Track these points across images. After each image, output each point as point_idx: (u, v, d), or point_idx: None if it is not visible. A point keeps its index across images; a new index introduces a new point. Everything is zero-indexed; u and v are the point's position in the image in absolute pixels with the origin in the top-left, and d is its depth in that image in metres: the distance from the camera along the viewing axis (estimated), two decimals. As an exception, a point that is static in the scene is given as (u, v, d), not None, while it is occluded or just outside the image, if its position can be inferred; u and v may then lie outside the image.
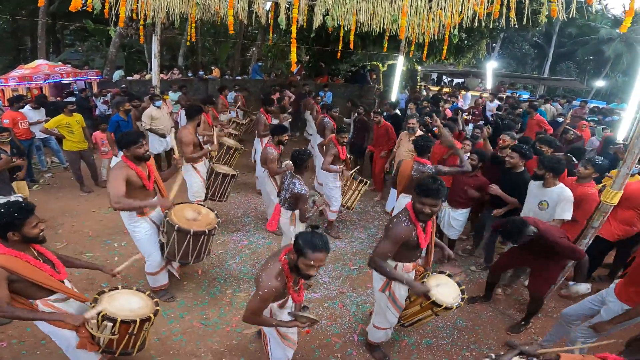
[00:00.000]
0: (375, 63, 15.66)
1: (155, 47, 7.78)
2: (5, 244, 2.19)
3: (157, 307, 2.56)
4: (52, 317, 2.28)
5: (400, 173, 4.28)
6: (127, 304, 2.55)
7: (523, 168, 4.15)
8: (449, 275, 3.02)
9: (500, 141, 4.78)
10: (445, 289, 2.83)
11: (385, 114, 7.16)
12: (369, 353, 3.28)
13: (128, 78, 11.54)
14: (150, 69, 10.17)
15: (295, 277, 2.28)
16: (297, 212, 3.79)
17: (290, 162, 3.91)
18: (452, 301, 2.75)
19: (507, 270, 4.07)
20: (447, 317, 3.82)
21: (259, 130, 6.06)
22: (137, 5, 5.48)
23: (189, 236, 3.35)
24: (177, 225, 3.29)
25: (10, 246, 2.20)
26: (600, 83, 23.26)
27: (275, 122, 6.64)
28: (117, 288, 2.69)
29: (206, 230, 3.43)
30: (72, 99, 8.47)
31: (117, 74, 11.56)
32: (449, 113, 7.69)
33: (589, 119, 8.69)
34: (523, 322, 3.70)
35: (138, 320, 2.37)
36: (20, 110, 6.43)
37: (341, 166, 4.94)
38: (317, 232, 2.17)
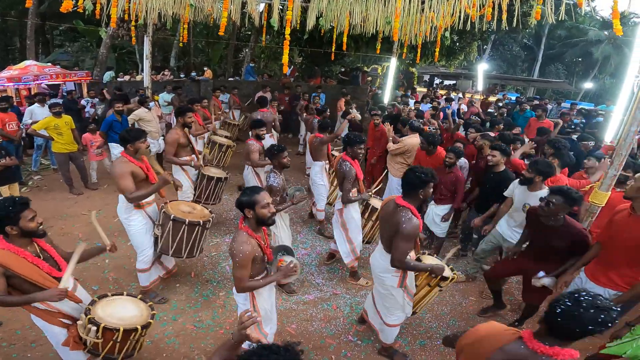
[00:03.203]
0: (375, 66, 15.75)
1: (147, 48, 7.73)
2: (6, 239, 2.20)
3: (150, 320, 2.52)
4: (38, 297, 2.26)
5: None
6: (122, 311, 2.51)
7: (504, 167, 4.19)
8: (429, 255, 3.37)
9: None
10: (435, 261, 3.15)
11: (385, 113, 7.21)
12: (389, 359, 3.26)
13: (118, 79, 11.44)
14: (142, 70, 10.10)
15: (261, 235, 2.50)
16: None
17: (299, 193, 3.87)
18: (451, 272, 3.08)
19: (505, 278, 3.96)
20: (440, 318, 3.85)
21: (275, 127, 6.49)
22: (129, 6, 5.44)
23: (184, 226, 3.41)
24: (172, 215, 3.37)
25: (11, 241, 2.21)
26: (588, 85, 23.65)
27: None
28: (122, 294, 2.66)
29: (201, 222, 3.49)
30: (55, 100, 8.33)
31: (108, 75, 11.45)
32: (427, 115, 7.70)
33: (574, 120, 8.85)
34: (517, 324, 3.68)
35: (121, 329, 2.33)
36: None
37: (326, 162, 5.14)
38: (244, 189, 2.48)
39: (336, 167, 4.13)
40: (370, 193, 4.30)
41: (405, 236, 2.61)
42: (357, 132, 6.90)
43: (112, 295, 2.62)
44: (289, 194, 3.87)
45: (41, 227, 2.31)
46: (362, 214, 4.27)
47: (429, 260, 3.20)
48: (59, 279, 2.35)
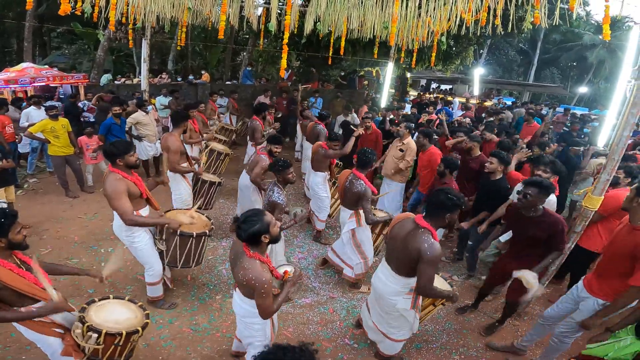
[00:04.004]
0: (369, 69, 15.79)
1: (144, 51, 7.74)
2: None
3: (147, 320, 2.52)
4: (40, 311, 2.23)
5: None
6: (115, 314, 2.51)
7: (501, 175, 4.08)
8: None
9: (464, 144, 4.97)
10: (442, 283, 3.24)
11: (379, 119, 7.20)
12: None
13: (115, 82, 11.42)
14: (139, 73, 10.10)
15: (269, 259, 2.47)
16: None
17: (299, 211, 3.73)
18: (452, 289, 3.16)
19: (504, 282, 3.83)
20: (435, 321, 3.86)
21: (257, 138, 6.07)
22: (127, 9, 5.45)
23: (191, 239, 3.41)
24: (178, 230, 3.33)
25: None
26: (583, 89, 23.82)
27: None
28: (108, 297, 2.65)
29: (206, 231, 3.51)
30: (52, 102, 8.30)
31: (105, 78, 11.43)
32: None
33: (584, 130, 8.90)
34: (497, 324, 3.73)
35: (124, 332, 2.34)
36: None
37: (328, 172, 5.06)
38: (243, 217, 2.32)
39: (344, 183, 4.00)
40: (391, 214, 4.35)
41: (431, 263, 2.52)
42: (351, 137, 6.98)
43: (100, 300, 2.60)
44: (291, 212, 3.73)
45: (25, 239, 2.28)
46: (372, 229, 4.25)
47: (437, 281, 3.14)
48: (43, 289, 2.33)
